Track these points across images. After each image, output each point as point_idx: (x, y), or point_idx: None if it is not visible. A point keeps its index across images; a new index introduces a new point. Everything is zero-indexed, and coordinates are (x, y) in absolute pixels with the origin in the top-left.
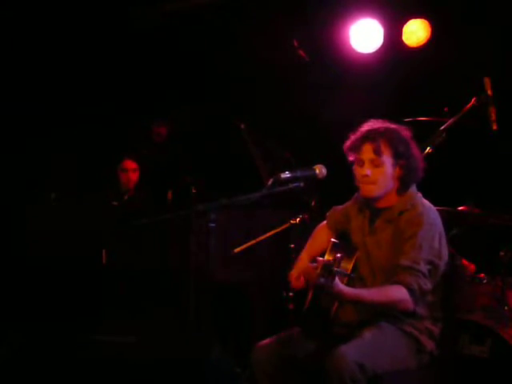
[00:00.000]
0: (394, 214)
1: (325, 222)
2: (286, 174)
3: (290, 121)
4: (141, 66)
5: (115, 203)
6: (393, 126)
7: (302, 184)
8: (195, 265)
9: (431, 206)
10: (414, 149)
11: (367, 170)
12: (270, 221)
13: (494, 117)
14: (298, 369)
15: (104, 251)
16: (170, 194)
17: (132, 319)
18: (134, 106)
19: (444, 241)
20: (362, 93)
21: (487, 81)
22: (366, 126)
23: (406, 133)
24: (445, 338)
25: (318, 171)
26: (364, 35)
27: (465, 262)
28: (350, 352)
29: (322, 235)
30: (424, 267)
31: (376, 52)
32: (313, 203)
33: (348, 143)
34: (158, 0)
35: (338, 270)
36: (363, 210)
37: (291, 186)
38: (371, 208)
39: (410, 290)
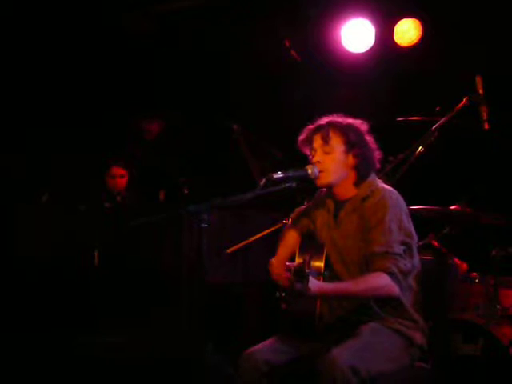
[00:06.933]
0: (356, 202)
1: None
2: (279, 174)
3: (282, 121)
4: (132, 65)
5: (107, 204)
6: (348, 119)
7: (294, 184)
8: (188, 265)
9: (391, 189)
10: (369, 140)
11: (318, 158)
12: (262, 221)
13: (485, 116)
14: (286, 374)
15: (96, 252)
16: (162, 195)
17: (125, 319)
18: (123, 105)
19: (410, 219)
20: (354, 93)
21: (479, 80)
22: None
23: (361, 125)
24: (437, 337)
25: (310, 171)
26: (355, 35)
27: (457, 261)
28: (343, 355)
29: (291, 238)
30: (399, 249)
31: (368, 52)
32: (305, 203)
33: (301, 136)
34: (150, 2)
35: (310, 271)
36: (326, 205)
37: (284, 186)
38: (334, 202)
39: (391, 274)
